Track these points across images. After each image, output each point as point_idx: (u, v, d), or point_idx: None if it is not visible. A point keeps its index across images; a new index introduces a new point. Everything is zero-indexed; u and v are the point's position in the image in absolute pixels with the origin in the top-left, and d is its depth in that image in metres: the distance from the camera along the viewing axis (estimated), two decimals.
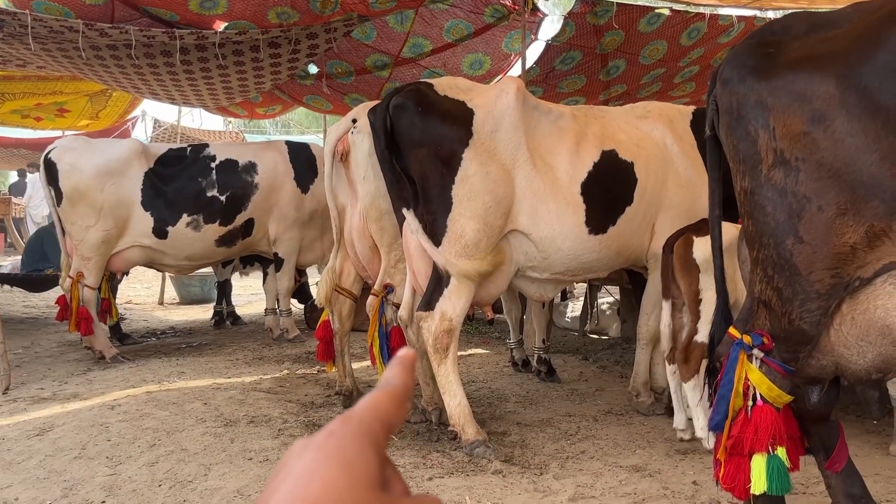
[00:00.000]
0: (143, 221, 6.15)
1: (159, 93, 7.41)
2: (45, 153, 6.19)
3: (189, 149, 6.60)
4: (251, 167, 6.50)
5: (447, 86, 3.97)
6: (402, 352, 0.57)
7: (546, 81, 7.94)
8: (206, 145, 6.72)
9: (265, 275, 7.73)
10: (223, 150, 6.65)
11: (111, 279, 6.78)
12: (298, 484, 0.46)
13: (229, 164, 6.46)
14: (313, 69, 7.81)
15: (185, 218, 6.21)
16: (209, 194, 6.30)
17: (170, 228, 6.18)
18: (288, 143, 6.99)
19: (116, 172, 6.08)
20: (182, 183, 6.29)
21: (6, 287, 8.90)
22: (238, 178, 6.44)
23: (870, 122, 1.97)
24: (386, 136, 3.80)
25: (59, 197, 6.03)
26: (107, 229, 6.03)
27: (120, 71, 6.43)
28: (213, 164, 6.42)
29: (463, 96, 3.91)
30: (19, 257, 9.16)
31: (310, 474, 0.46)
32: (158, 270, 7.40)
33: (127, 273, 7.13)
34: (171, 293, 10.50)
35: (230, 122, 17.82)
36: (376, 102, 4.05)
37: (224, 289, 8.34)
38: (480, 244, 3.75)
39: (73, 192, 5.98)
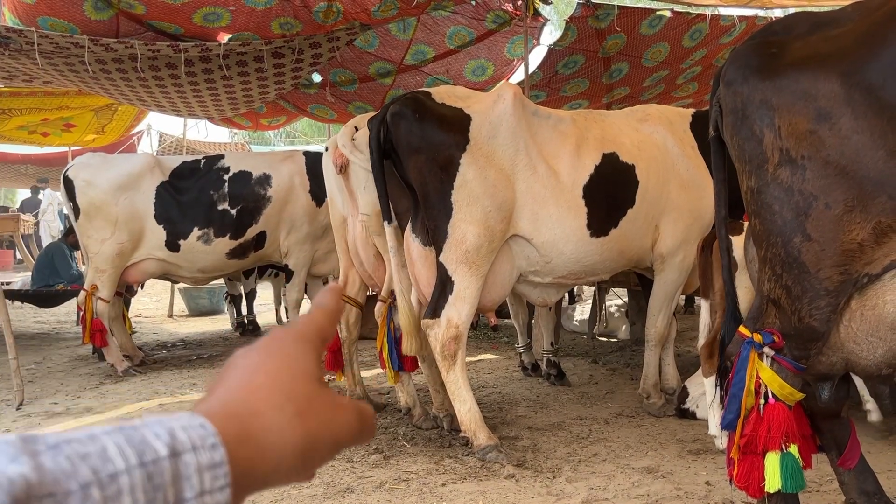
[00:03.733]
0: (156, 234, 6.17)
1: (165, 105, 7.46)
2: (64, 171, 6.29)
3: (203, 160, 6.54)
4: (265, 179, 6.39)
5: (445, 94, 3.99)
6: (331, 285, 0.63)
7: (549, 85, 7.96)
8: (222, 156, 6.64)
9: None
10: (238, 161, 6.55)
11: (129, 291, 6.81)
12: (244, 375, 0.50)
13: (243, 176, 6.37)
14: (317, 78, 7.84)
15: (195, 231, 6.20)
16: (220, 208, 6.24)
17: (181, 242, 6.20)
18: (306, 153, 6.79)
19: (130, 186, 6.14)
20: (193, 196, 6.25)
21: (17, 303, 8.96)
22: (251, 190, 6.33)
23: (875, 119, 1.97)
24: (379, 148, 3.82)
25: (76, 212, 6.11)
26: (121, 242, 6.08)
27: (126, 84, 6.48)
28: (226, 177, 6.35)
29: (461, 103, 3.92)
30: (29, 273, 9.22)
31: (255, 368, 0.51)
32: (174, 282, 7.44)
33: (142, 286, 7.16)
34: (180, 306, 10.54)
35: (235, 133, 17.89)
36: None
37: (249, 298, 8.74)
38: (482, 249, 3.76)
39: (90, 207, 6.06)
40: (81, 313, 6.14)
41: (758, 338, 2.28)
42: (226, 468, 0.44)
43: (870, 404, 3.84)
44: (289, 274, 6.72)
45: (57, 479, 0.38)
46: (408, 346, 3.99)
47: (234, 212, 6.26)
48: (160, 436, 0.43)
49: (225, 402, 0.48)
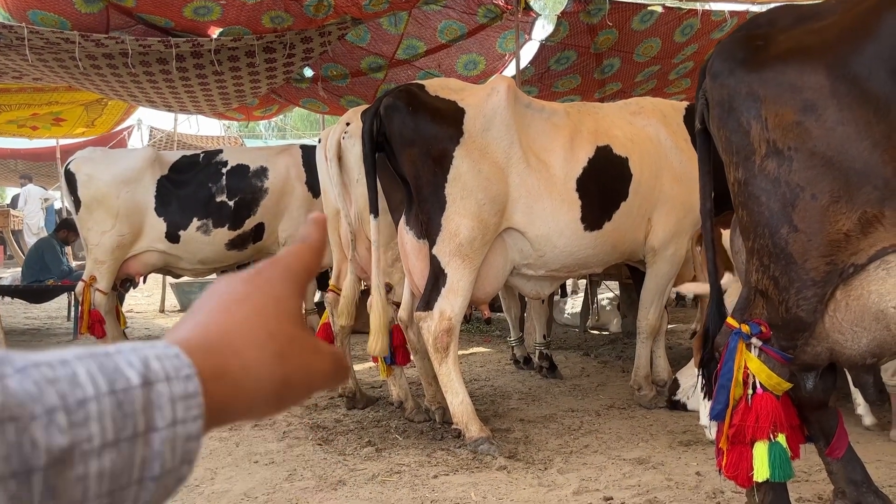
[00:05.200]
0: (157, 226, 6.26)
1: (156, 101, 7.44)
2: (65, 165, 6.35)
3: (202, 154, 6.66)
4: (262, 172, 6.49)
5: (439, 86, 3.99)
6: (315, 215, 0.61)
7: (541, 81, 7.97)
8: (220, 150, 6.76)
9: None
10: (235, 155, 6.67)
11: (127, 284, 6.84)
12: (228, 305, 0.49)
13: (240, 169, 6.47)
14: (309, 72, 7.84)
15: (195, 222, 6.30)
16: (218, 199, 6.35)
17: (181, 233, 6.28)
18: (302, 146, 6.86)
19: (131, 180, 6.21)
20: (193, 188, 6.36)
21: (7, 298, 8.92)
22: (248, 182, 6.43)
23: (860, 111, 1.99)
24: (372, 141, 3.83)
25: (77, 205, 6.16)
26: (122, 234, 6.15)
27: (116, 80, 6.47)
28: (224, 170, 6.47)
29: (454, 96, 3.92)
30: (19, 269, 9.19)
31: (240, 299, 0.49)
32: (174, 276, 7.47)
33: (144, 279, 7.18)
34: (171, 301, 10.51)
35: (228, 127, 17.81)
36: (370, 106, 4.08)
37: None
38: (475, 242, 3.77)
39: (91, 200, 6.13)
40: (81, 307, 6.17)
41: (745, 328, 2.30)
42: (199, 399, 0.44)
43: (861, 408, 3.86)
44: None
45: (21, 403, 0.37)
46: (373, 345, 3.96)
47: (231, 203, 6.36)
48: (133, 364, 0.42)
49: (205, 333, 0.47)
